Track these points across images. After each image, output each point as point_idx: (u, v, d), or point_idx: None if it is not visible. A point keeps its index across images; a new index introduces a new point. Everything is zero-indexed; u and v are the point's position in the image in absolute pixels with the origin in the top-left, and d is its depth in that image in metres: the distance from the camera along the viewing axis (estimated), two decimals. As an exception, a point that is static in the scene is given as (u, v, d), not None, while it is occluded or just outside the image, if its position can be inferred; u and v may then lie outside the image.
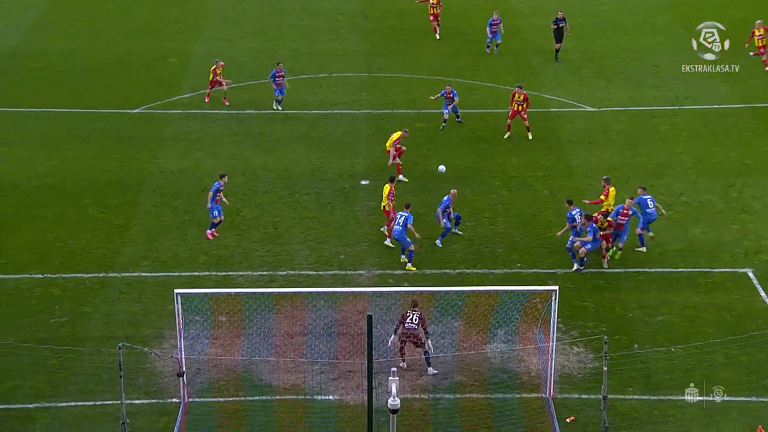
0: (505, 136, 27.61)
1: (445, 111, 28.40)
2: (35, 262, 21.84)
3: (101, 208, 24.31)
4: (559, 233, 22.26)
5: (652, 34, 35.31)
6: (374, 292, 19.96)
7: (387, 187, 22.91)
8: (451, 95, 28.22)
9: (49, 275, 21.40)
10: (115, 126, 28.68)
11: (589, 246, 20.94)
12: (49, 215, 23.89)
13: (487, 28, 33.37)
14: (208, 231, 23.09)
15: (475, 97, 30.99)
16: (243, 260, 22.30)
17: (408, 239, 21.71)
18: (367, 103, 30.61)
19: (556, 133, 28.43)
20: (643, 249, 22.42)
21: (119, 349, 16.00)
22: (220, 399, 17.99)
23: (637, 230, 22.22)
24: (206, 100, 29.78)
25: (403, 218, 21.69)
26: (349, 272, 21.91)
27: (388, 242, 22.67)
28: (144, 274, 21.61)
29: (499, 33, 33.38)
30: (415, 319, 18.43)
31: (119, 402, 16.07)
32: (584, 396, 18.06)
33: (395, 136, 25.83)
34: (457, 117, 28.79)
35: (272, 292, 19.73)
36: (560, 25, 32.80)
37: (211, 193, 23.03)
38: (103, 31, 35.67)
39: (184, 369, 17.70)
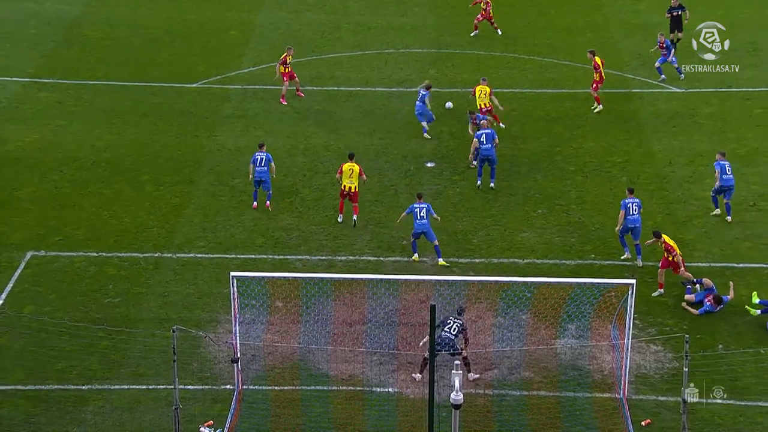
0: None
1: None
2: (90, 240, 22.29)
3: (158, 185, 24.66)
4: (617, 228, 21.39)
5: (748, 7, 34.02)
6: (438, 281, 19.76)
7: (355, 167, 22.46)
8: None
9: (104, 254, 21.83)
10: (174, 100, 29.03)
11: (699, 312, 19.87)
12: (106, 192, 24.34)
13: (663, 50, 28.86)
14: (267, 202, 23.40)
15: (549, 76, 30.39)
16: (301, 243, 22.36)
17: (433, 232, 21.24)
18: (435, 81, 30.25)
19: (637, 116, 27.69)
20: (717, 211, 22.48)
21: (173, 332, 16.19)
22: (275, 387, 18.10)
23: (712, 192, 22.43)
24: (283, 102, 28.70)
25: (424, 210, 21.26)
26: (411, 259, 21.75)
27: (346, 219, 22.49)
28: (199, 255, 21.86)
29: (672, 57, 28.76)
30: (455, 329, 17.88)
31: (172, 387, 16.27)
32: (662, 398, 17.61)
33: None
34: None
35: (331, 278, 19.74)
36: (676, 13, 30.25)
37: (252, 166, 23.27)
38: (164, 1, 36.08)
39: (238, 355, 17.85)
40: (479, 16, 32.08)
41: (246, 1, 35.77)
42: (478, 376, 18.25)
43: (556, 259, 21.77)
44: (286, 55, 28.58)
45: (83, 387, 18.06)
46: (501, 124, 26.87)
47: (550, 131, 27.23)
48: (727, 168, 22.50)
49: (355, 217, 22.67)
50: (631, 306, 17.31)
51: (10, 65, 30.76)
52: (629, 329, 17.43)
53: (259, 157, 23.49)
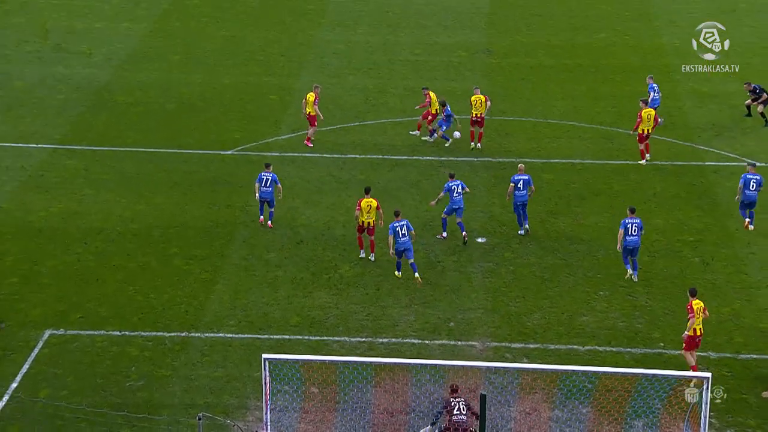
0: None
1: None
2: (113, 318, 22.50)
3: (187, 259, 24.93)
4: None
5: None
6: (488, 368, 19.47)
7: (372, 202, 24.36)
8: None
9: (127, 333, 21.99)
10: (207, 168, 29.55)
11: None
12: (132, 265, 24.66)
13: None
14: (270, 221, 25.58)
15: (614, 147, 30.37)
16: (340, 324, 22.29)
17: (412, 251, 23.44)
18: (487, 150, 30.44)
19: (712, 191, 27.44)
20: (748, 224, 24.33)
21: (199, 420, 16.12)
22: (308, 483, 17.83)
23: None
24: (308, 144, 30.29)
25: (404, 227, 23.37)
26: (459, 342, 21.54)
27: (366, 255, 24.44)
28: (229, 336, 21.90)
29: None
30: (464, 408, 18.18)
31: (195, 480, 16.12)
32: (742, 507, 16.92)
33: None
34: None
35: (371, 362, 19.56)
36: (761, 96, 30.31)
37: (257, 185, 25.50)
38: (200, 64, 37.10)
39: (268, 446, 17.67)
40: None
41: (286, 65, 36.59)
42: None
43: (620, 346, 21.36)
44: (313, 94, 30.08)
45: (100, 479, 17.98)
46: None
47: (613, 206, 27.05)
48: (752, 183, 23.78)
49: (372, 255, 24.25)
50: (707, 402, 16.81)
51: (36, 131, 31.71)
52: (704, 429, 16.87)
53: (265, 177, 25.34)
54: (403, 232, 23.37)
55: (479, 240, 25.66)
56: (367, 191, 24.83)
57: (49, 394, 19.85)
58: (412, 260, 23.53)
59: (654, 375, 18.23)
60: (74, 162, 29.97)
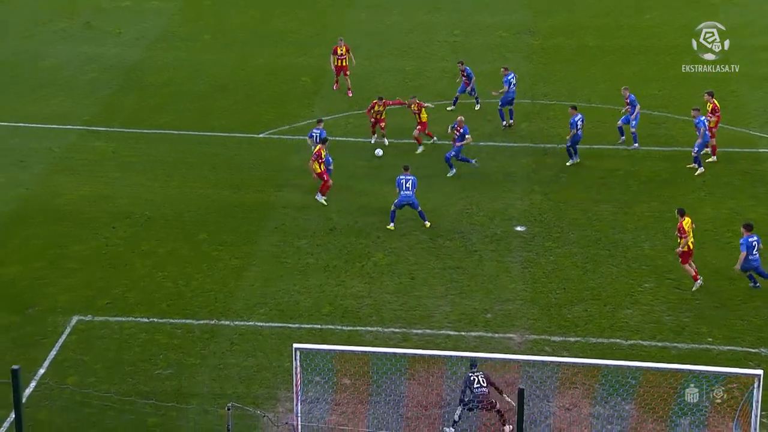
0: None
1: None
2: (141, 304, 22.68)
3: (217, 245, 25.04)
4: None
5: None
6: (527, 361, 19.37)
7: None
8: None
9: (156, 320, 22.16)
10: (238, 152, 29.65)
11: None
12: (161, 251, 24.82)
13: None
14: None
15: (661, 132, 30.00)
16: (373, 314, 22.29)
17: (417, 200, 24.97)
18: (529, 135, 30.23)
19: (767, 179, 26.95)
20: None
21: (228, 409, 16.19)
22: (339, 477, 17.89)
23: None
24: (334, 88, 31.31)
25: (410, 182, 24.99)
26: (496, 335, 21.45)
27: (320, 198, 26.28)
28: (260, 324, 21.99)
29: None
30: (483, 381, 18.41)
31: (224, 472, 16.22)
32: None
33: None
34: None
35: (405, 354, 19.53)
36: None
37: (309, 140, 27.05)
38: (232, 44, 37.20)
39: (299, 438, 17.72)
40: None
41: (319, 44, 36.53)
42: (512, 427, 18.21)
43: (666, 341, 21.13)
44: (336, 46, 31.54)
45: (127, 469, 18.17)
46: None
47: (660, 194, 26.73)
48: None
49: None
50: (758, 401, 16.55)
51: (65, 113, 31.99)
52: (756, 430, 16.65)
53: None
54: (407, 185, 24.95)
55: (518, 228, 25.51)
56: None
57: (77, 381, 20.06)
58: (419, 209, 25.05)
59: (702, 371, 18.01)
60: (103, 144, 30.21)
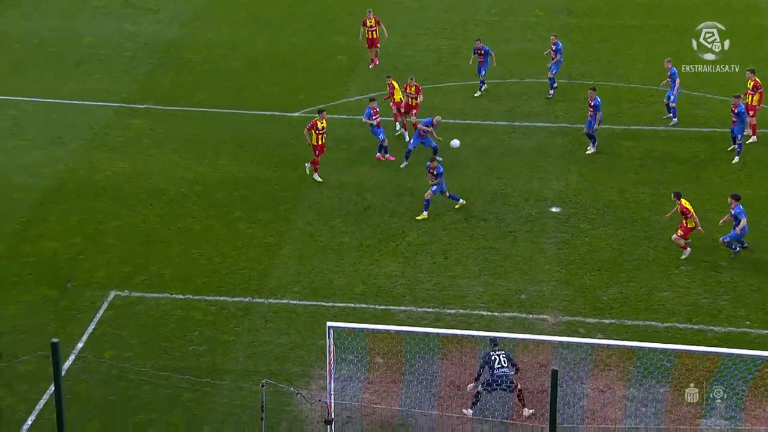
0: None
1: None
2: (177, 281, 22.94)
3: (251, 222, 25.22)
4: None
5: None
6: (560, 343, 19.36)
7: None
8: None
9: (191, 296, 22.40)
10: (273, 130, 29.78)
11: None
12: (196, 228, 25.06)
13: None
14: (378, 154, 27.07)
15: (699, 113, 29.68)
16: (406, 293, 22.37)
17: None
18: (565, 115, 30.03)
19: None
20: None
21: (262, 386, 16.36)
22: (371, 454, 18.03)
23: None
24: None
25: (438, 168, 24.88)
26: (530, 316, 21.45)
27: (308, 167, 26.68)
28: (293, 302, 22.16)
29: None
30: (505, 361, 18.32)
31: (258, 448, 16.43)
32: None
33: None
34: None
35: (439, 333, 19.59)
36: None
37: (365, 119, 27.28)
38: (268, 22, 37.27)
39: (332, 416, 17.88)
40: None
41: (355, 23, 36.32)
42: (533, 411, 18.15)
43: (702, 324, 21.00)
44: (365, 18, 32.05)
45: (163, 443, 18.44)
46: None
47: (699, 176, 26.50)
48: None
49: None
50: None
51: (103, 89, 32.29)
52: (790, 412, 16.57)
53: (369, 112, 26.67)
54: (437, 173, 24.77)
55: (554, 209, 25.41)
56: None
57: (114, 356, 20.38)
58: (448, 193, 25.03)
59: (739, 355, 17.88)
60: (139, 121, 30.47)
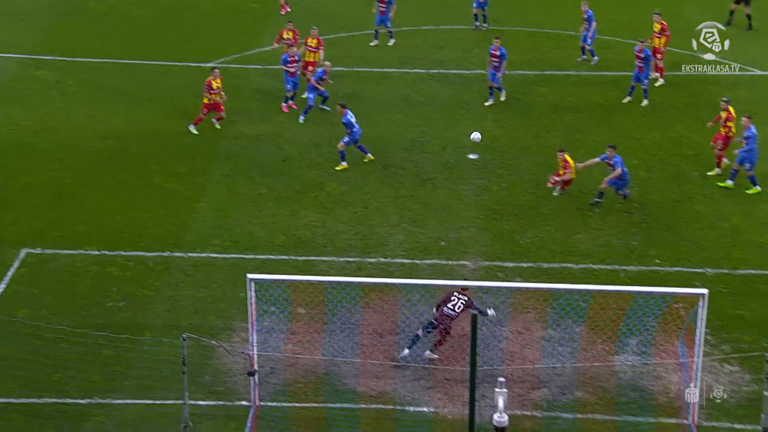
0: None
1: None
2: (92, 237, 22.49)
3: (168, 176, 24.84)
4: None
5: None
6: (480, 287, 19.69)
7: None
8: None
9: (107, 252, 22.01)
10: (186, 82, 29.22)
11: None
12: (110, 183, 24.56)
13: None
14: (283, 104, 26.46)
15: (610, 57, 30.18)
16: (327, 243, 22.40)
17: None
18: (480, 62, 30.18)
19: (714, 102, 27.33)
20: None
21: (183, 340, 16.25)
22: (296, 404, 18.13)
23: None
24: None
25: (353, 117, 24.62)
26: (450, 262, 21.72)
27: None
28: (213, 255, 21.99)
29: None
30: (459, 306, 18.58)
31: (181, 402, 16.35)
32: (738, 426, 17.39)
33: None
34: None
35: (360, 282, 19.72)
36: None
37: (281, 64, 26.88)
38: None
39: (256, 367, 17.90)
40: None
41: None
42: (437, 357, 18.54)
43: (615, 264, 21.57)
44: None
45: (82, 401, 18.19)
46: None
47: (610, 120, 27.02)
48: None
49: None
50: (703, 319, 17.07)
51: (4, 40, 31.18)
52: (700, 346, 17.19)
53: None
54: (345, 121, 24.53)
55: (471, 156, 25.65)
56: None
57: (27, 314, 19.94)
58: (358, 144, 24.78)
59: (649, 292, 18.49)
60: (45, 73, 29.57)
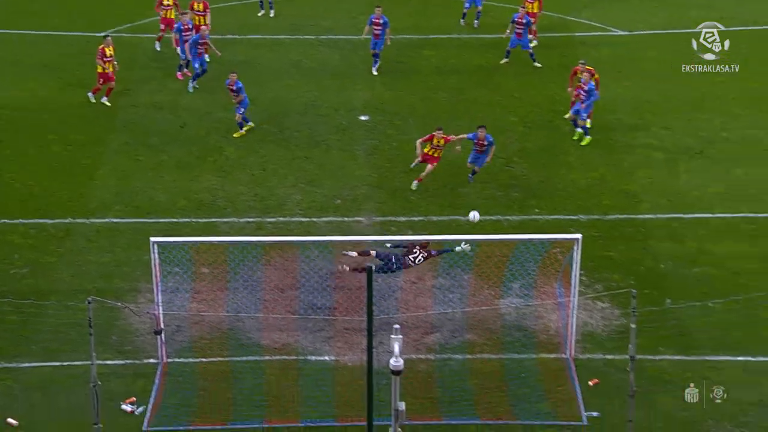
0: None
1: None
2: (-7, 206, 21.66)
3: (66, 145, 24.03)
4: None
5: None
6: (375, 241, 19.79)
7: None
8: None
9: (7, 221, 21.21)
10: (80, 52, 28.19)
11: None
12: (8, 152, 23.61)
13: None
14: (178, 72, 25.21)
15: (489, 22, 30.44)
16: (227, 205, 22.11)
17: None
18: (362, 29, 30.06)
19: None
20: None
21: (88, 303, 15.84)
22: (203, 359, 17.97)
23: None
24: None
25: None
26: (346, 219, 21.74)
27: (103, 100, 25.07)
28: (116, 221, 21.45)
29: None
30: (419, 260, 19.03)
31: (89, 363, 15.97)
32: (609, 356, 18.04)
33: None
34: None
35: (260, 241, 19.58)
36: None
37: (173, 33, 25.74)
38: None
39: (162, 326, 17.64)
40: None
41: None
42: (347, 268, 18.97)
43: (499, 215, 21.97)
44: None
45: (-11, 366, 17.64)
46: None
47: (490, 81, 27.35)
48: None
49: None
50: (577, 262, 17.60)
51: None
52: (575, 286, 17.74)
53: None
54: (236, 87, 23.88)
55: (362, 118, 25.61)
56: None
57: (-72, 286, 19.14)
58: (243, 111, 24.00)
59: (530, 239, 18.94)
60: (-64, 46, 28.11)
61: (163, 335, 17.75)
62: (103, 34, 28.05)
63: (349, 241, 19.75)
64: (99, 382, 15.69)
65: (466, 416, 16.80)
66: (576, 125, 24.41)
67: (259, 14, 30.38)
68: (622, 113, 25.62)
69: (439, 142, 22.21)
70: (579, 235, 17.65)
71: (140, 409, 16.92)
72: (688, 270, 20.22)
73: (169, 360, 17.92)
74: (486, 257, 19.29)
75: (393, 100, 26.38)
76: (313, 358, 18.09)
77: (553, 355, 18.13)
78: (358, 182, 23.01)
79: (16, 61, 27.52)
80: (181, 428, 16.56)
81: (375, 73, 27.33)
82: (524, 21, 27.35)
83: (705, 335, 18.44)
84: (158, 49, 28.29)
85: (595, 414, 16.89)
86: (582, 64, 24.78)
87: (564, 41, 29.18)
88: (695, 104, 26.09)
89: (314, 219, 21.71)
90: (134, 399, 17.09)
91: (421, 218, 21.83)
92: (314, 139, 24.67)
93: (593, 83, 24.08)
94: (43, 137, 24.28)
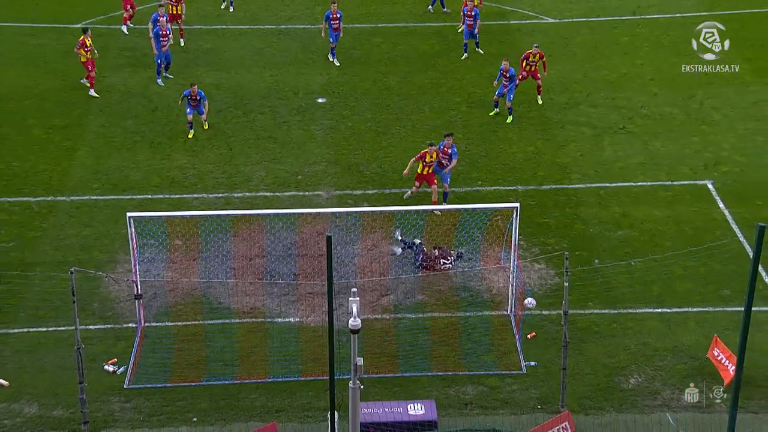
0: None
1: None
2: (-22, 186, 21.23)
3: (47, 128, 23.59)
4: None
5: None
6: (334, 213, 19.83)
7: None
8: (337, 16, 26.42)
9: (-7, 199, 20.87)
10: (57, 42, 27.61)
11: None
12: (-9, 137, 23.14)
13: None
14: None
15: (434, 9, 30.42)
16: (197, 182, 21.94)
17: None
18: (322, 17, 29.84)
19: (517, 47, 28.12)
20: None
21: (71, 273, 15.69)
22: (178, 323, 17.93)
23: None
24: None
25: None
26: (307, 193, 21.73)
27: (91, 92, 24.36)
28: (94, 198, 21.17)
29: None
30: (415, 250, 19.19)
31: (73, 328, 15.85)
32: (546, 312, 18.37)
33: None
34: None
35: (228, 215, 19.51)
36: None
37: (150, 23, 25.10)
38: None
39: (140, 292, 17.53)
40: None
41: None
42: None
43: (446, 187, 22.07)
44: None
45: (-20, 334, 17.39)
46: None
47: (435, 65, 27.39)
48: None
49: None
50: (516, 228, 17.85)
51: None
52: (515, 250, 18.00)
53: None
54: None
55: (320, 100, 25.51)
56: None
57: None
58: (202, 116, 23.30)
59: (474, 209, 19.13)
60: None
61: (141, 301, 17.66)
62: (81, 25, 27.53)
63: (310, 213, 19.76)
64: (83, 345, 15.61)
65: (419, 369, 17.01)
66: (497, 105, 24.54)
67: (222, 6, 29.96)
68: (553, 93, 25.85)
69: (432, 157, 20.61)
70: (517, 204, 17.89)
71: (121, 369, 16.87)
72: (613, 233, 20.60)
73: (147, 324, 17.85)
74: (436, 226, 19.44)
75: (347, 84, 26.30)
76: (279, 320, 18.14)
77: (496, 313, 18.40)
78: (317, 159, 22.97)
79: (-4, 51, 26.89)
80: (159, 386, 16.56)
81: (337, 63, 26.98)
82: (473, 13, 27.26)
83: (628, 291, 18.86)
84: (126, 32, 27.80)
85: (533, 363, 17.23)
86: (535, 47, 24.92)
87: (502, 29, 29.29)
88: (618, 84, 26.44)
89: (278, 193, 21.66)
90: (116, 360, 17.02)
91: (375, 191, 21.88)
92: (276, 120, 24.54)
93: (512, 69, 24.06)
94: (23, 122, 23.80)
